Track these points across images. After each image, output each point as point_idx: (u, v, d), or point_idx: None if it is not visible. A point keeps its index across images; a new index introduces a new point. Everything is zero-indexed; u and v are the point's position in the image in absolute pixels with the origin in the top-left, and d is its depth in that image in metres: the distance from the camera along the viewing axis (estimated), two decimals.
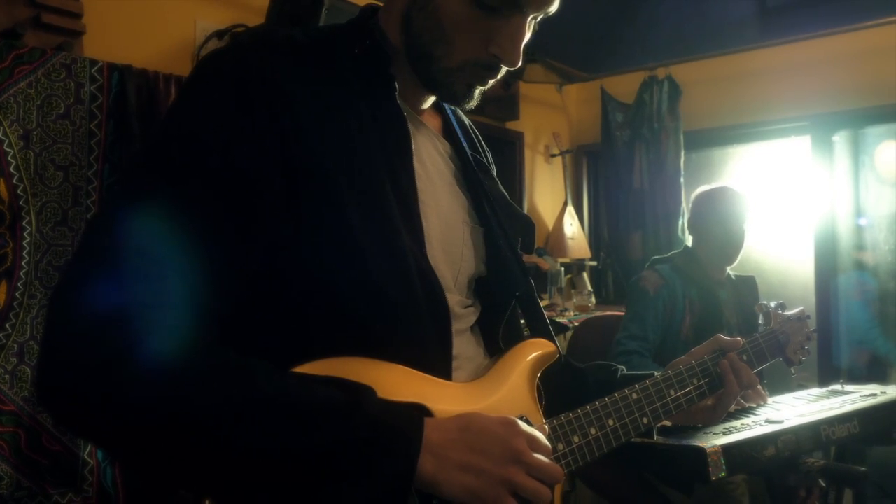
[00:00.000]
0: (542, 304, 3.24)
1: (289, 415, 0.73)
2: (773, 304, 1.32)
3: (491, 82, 0.94)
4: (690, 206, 2.62)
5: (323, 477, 0.73)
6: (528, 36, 0.92)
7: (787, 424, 1.80)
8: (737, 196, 2.51)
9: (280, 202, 0.81)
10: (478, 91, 0.94)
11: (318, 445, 0.73)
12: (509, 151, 3.95)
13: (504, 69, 0.93)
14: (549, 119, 4.24)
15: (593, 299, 3.74)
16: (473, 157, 1.07)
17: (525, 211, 3.90)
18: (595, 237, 4.42)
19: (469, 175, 1.03)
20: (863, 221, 3.76)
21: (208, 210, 0.77)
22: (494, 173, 1.16)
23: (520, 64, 0.92)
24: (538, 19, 0.93)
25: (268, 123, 0.80)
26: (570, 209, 4.10)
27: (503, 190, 1.10)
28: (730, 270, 2.55)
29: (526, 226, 1.11)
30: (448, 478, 0.76)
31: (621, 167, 4.04)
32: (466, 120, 1.15)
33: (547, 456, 0.83)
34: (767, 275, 4.12)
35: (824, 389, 2.28)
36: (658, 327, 2.34)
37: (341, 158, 0.84)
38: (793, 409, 2.02)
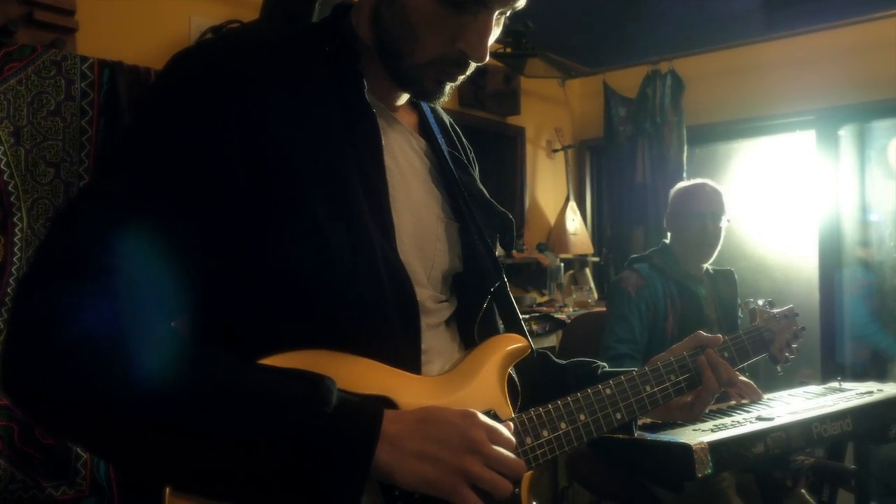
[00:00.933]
0: (541, 299, 3.24)
1: (245, 404, 0.74)
2: (760, 302, 1.31)
3: (460, 78, 0.95)
4: (669, 202, 2.60)
5: (279, 465, 0.73)
6: (496, 32, 0.93)
7: (777, 422, 1.79)
8: (713, 193, 2.48)
9: (247, 198, 0.81)
10: (448, 87, 0.95)
11: (273, 435, 0.73)
12: (511, 146, 3.94)
13: (473, 65, 0.93)
14: (552, 114, 4.23)
15: (595, 295, 3.73)
16: (451, 153, 1.07)
17: (527, 206, 3.93)
18: (598, 233, 4.40)
19: (445, 171, 1.03)
20: (874, 217, 3.73)
21: (172, 206, 0.78)
22: (476, 171, 1.16)
23: (487, 59, 0.92)
24: (507, 14, 0.93)
25: (235, 120, 0.81)
26: (573, 204, 4.09)
27: (482, 187, 1.10)
28: (707, 265, 2.53)
29: (505, 223, 1.10)
30: (404, 466, 0.77)
31: (624, 162, 4.02)
32: (446, 117, 1.15)
33: (509, 449, 0.83)
34: (771, 270, 4.09)
35: (822, 386, 2.27)
36: (644, 328, 2.33)
37: (309, 154, 0.85)
38: (786, 407, 2.00)
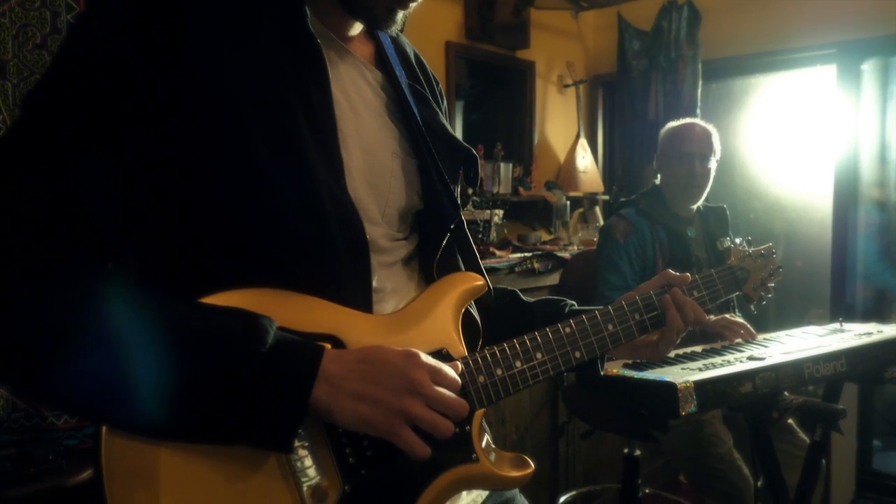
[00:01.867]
0: (547, 237, 3.20)
1: (179, 344, 0.74)
2: (738, 240, 1.28)
3: (413, 5, 0.91)
4: (658, 142, 2.54)
5: (215, 405, 0.74)
6: None
7: (768, 362, 1.79)
8: (702, 133, 2.43)
9: (182, 134, 0.79)
10: (400, 15, 0.92)
11: (207, 375, 0.74)
12: (520, 82, 3.84)
13: None
14: (563, 47, 4.11)
15: None
16: (411, 86, 1.03)
17: (536, 143, 3.85)
18: (608, 170, 4.33)
19: (403, 106, 1.00)
20: None
21: (103, 140, 0.76)
22: (444, 105, 1.13)
23: None
24: None
25: (167, 48, 0.78)
26: (583, 141, 4.01)
27: (444, 121, 1.07)
28: (699, 203, 2.49)
29: (468, 158, 1.07)
30: (342, 406, 0.77)
31: (636, 98, 3.91)
32: (410, 48, 1.11)
33: (452, 389, 0.83)
34: (786, 211, 4.02)
35: (822, 327, 2.25)
36: (635, 273, 2.32)
37: (247, 87, 0.82)
38: (781, 347, 2.00)
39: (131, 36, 0.77)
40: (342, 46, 0.94)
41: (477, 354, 0.92)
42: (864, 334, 2.09)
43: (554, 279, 2.94)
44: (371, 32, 1.01)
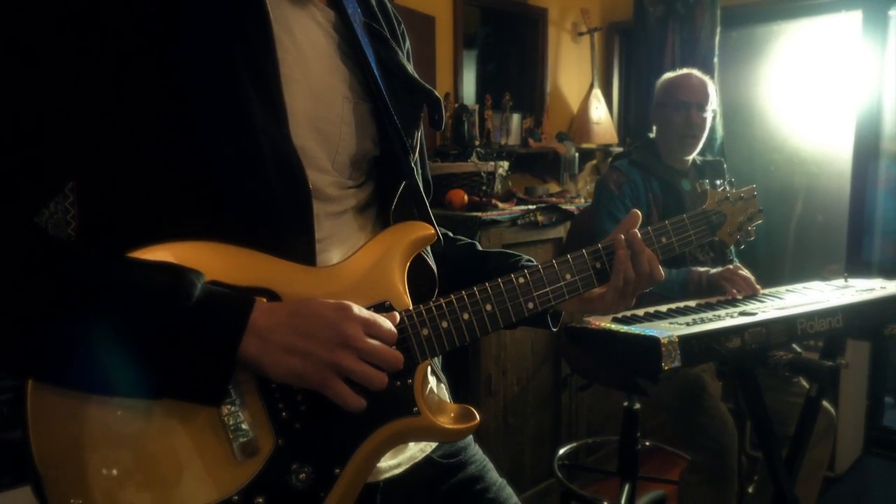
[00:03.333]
0: (556, 189, 3.14)
1: (104, 298, 0.73)
2: (718, 182, 1.23)
3: None
4: (654, 94, 2.51)
5: (140, 360, 0.73)
6: None
7: (759, 317, 1.75)
8: (699, 83, 2.41)
9: (110, 79, 0.77)
10: None
11: (133, 329, 0.73)
12: (532, 30, 3.74)
13: None
14: None
15: None
16: (367, 25, 0.99)
17: (548, 94, 3.77)
18: (624, 122, 4.24)
19: (357, 46, 0.96)
20: None
21: (27, 97, 0.75)
22: (406, 45, 1.09)
23: None
24: None
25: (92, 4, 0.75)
26: (597, 92, 3.91)
27: (403, 61, 1.02)
28: (694, 156, 2.47)
29: (430, 100, 1.03)
30: (273, 360, 0.76)
31: (653, 47, 3.80)
32: None
33: (388, 342, 0.81)
34: (807, 164, 3.90)
35: (824, 283, 2.20)
36: None
37: (179, 29, 0.79)
38: (778, 302, 1.96)
39: None
40: None
41: (421, 307, 0.90)
42: (866, 290, 2.04)
43: (559, 232, 2.91)
44: None
